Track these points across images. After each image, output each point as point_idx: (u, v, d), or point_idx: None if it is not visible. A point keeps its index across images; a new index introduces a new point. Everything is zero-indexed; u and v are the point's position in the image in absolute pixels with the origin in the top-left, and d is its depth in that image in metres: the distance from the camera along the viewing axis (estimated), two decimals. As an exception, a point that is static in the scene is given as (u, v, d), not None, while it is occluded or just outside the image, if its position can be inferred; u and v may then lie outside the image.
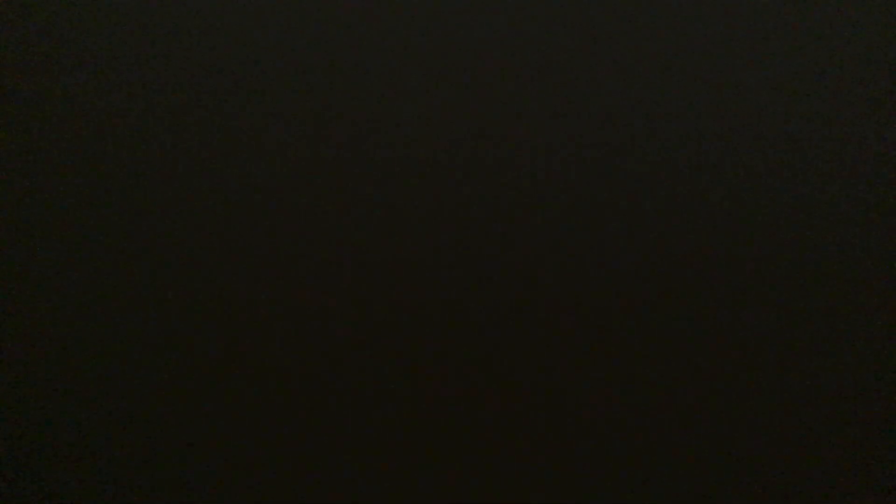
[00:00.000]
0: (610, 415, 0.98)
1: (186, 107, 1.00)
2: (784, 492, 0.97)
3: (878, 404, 0.97)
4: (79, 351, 0.99)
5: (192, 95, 1.00)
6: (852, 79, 0.99)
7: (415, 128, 1.00)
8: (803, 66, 0.99)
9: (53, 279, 1.00)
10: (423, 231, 0.99)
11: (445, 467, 0.98)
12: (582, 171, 0.99)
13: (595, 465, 0.98)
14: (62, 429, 0.99)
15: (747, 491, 0.97)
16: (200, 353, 0.99)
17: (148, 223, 1.00)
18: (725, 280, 0.98)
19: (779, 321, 0.97)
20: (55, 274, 1.00)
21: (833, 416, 0.97)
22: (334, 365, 0.99)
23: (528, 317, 0.98)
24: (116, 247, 1.00)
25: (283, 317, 0.99)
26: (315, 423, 0.99)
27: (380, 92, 1.00)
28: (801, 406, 0.97)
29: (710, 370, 0.97)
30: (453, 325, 0.98)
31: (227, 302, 0.99)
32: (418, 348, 0.98)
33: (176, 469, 0.99)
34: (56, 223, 1.00)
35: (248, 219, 0.99)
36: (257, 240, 0.99)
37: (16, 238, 1.00)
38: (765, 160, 0.98)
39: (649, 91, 0.99)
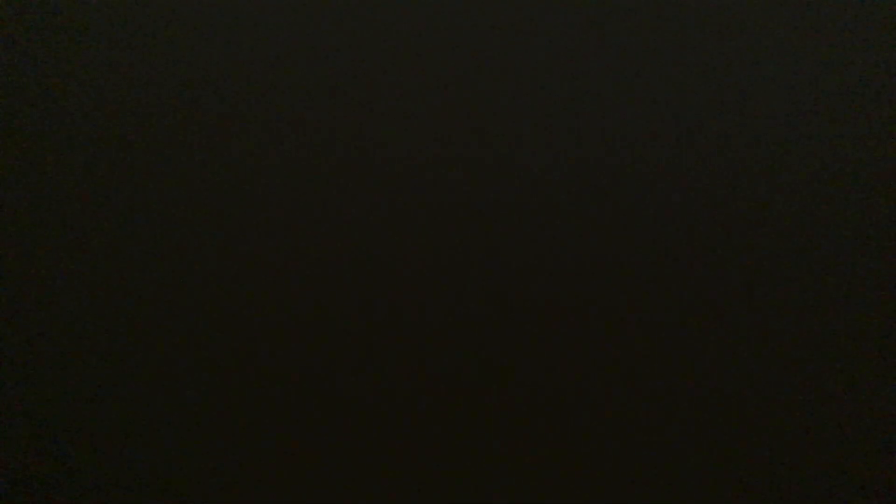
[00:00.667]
0: (610, 415, 0.98)
1: (186, 107, 1.00)
2: (784, 492, 0.97)
3: (879, 404, 0.97)
4: (79, 351, 0.99)
5: (193, 95, 1.00)
6: (852, 79, 0.99)
7: (414, 127, 1.00)
8: (803, 65, 0.99)
9: (54, 279, 0.99)
10: (422, 231, 0.99)
11: (445, 467, 0.98)
12: (582, 171, 0.99)
13: (595, 465, 0.98)
14: (62, 429, 0.99)
15: (747, 491, 0.97)
16: (200, 352, 0.99)
17: (148, 223, 1.00)
18: (725, 280, 0.98)
19: (778, 321, 0.98)
20: (55, 273, 1.00)
21: (833, 416, 0.97)
22: (334, 365, 0.99)
23: (528, 316, 0.98)
24: (116, 246, 1.00)
25: (283, 316, 0.99)
26: (315, 423, 0.98)
27: (379, 92, 1.00)
28: (801, 406, 0.97)
29: (710, 370, 0.98)
30: (453, 324, 0.98)
31: (227, 302, 0.99)
32: (418, 348, 0.98)
33: (176, 469, 0.99)
34: (56, 223, 1.00)
35: (247, 219, 0.99)
36: (257, 239, 0.99)
37: (16, 238, 1.00)
38: (765, 160, 0.98)
39: (649, 91, 0.99)
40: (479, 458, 0.98)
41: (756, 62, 0.99)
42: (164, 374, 0.99)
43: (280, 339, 0.99)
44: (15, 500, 0.99)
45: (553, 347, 0.98)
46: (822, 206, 0.98)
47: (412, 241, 0.99)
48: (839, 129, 0.99)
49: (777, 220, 0.98)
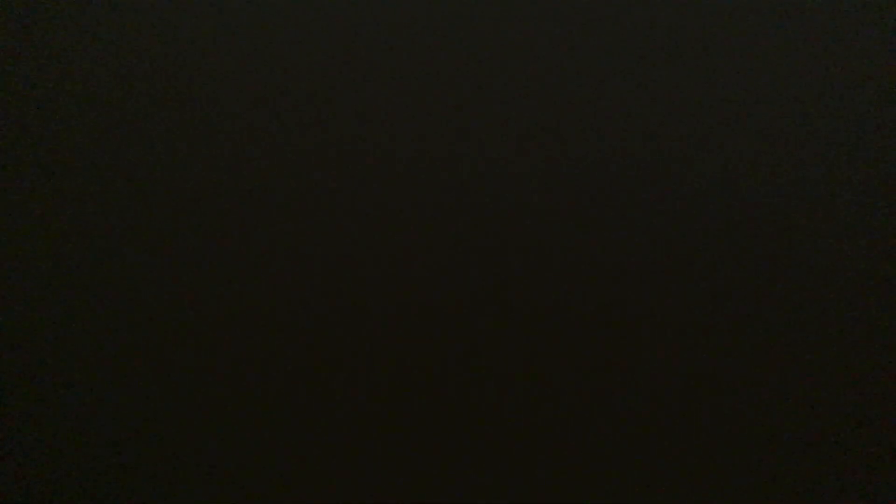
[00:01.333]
0: (609, 415, 0.98)
1: (186, 107, 1.00)
2: (784, 492, 0.97)
3: (879, 404, 0.97)
4: (78, 351, 0.99)
5: (192, 95, 1.00)
6: (852, 78, 0.99)
7: (413, 128, 1.00)
8: (803, 65, 0.99)
9: (53, 279, 0.99)
10: (421, 231, 0.99)
11: (445, 467, 0.98)
12: (581, 171, 0.99)
13: (595, 466, 0.98)
14: (62, 428, 0.99)
15: (747, 490, 0.97)
16: (200, 353, 0.99)
17: (147, 223, 1.00)
18: (725, 280, 0.98)
19: (778, 321, 0.98)
20: (54, 274, 1.00)
21: (833, 415, 0.97)
22: (333, 365, 0.99)
23: (527, 317, 0.98)
24: (116, 246, 1.00)
25: (282, 317, 0.99)
26: (315, 423, 0.99)
27: (379, 92, 1.00)
28: (800, 406, 0.97)
29: (710, 370, 0.98)
30: (452, 325, 0.98)
31: (227, 302, 0.99)
32: (418, 348, 0.98)
33: (176, 469, 0.99)
34: (55, 223, 1.00)
35: (247, 219, 0.99)
36: (256, 240, 0.99)
37: (16, 238, 1.00)
38: (763, 160, 0.98)
39: (649, 91, 0.99)
40: (479, 458, 0.98)
41: (756, 62, 0.99)
42: (164, 373, 0.99)
43: (280, 338, 0.99)
44: (15, 500, 0.99)
45: (553, 347, 0.98)
46: (821, 206, 0.98)
47: (412, 241, 0.99)
48: (838, 129, 0.99)
49: (777, 220, 0.98)
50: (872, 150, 0.99)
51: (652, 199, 0.98)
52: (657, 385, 0.97)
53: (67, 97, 1.00)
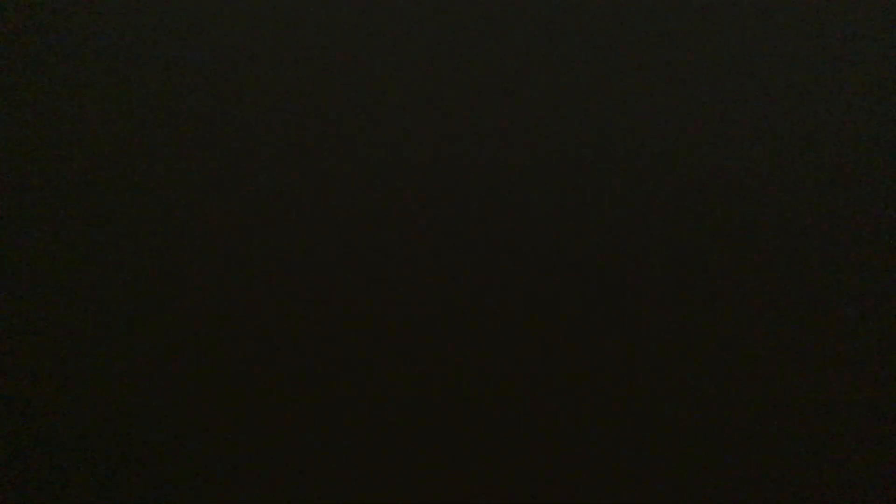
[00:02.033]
0: (609, 415, 0.98)
1: (186, 106, 1.00)
2: (784, 491, 0.97)
3: (879, 404, 0.97)
4: (78, 351, 0.99)
5: (191, 95, 1.00)
6: (852, 78, 0.99)
7: (413, 128, 1.00)
8: (802, 65, 0.99)
9: (53, 279, 1.00)
10: (421, 231, 0.99)
11: (445, 467, 0.98)
12: (581, 171, 0.99)
13: (595, 466, 0.98)
14: (62, 428, 0.99)
15: (747, 491, 0.97)
16: (200, 353, 0.99)
17: (147, 223, 1.00)
18: (724, 280, 0.98)
19: (778, 322, 0.98)
20: (55, 273, 1.00)
21: (833, 416, 0.97)
22: (333, 365, 0.99)
23: (527, 317, 0.98)
24: (116, 246, 1.00)
25: (282, 316, 0.99)
26: (315, 423, 0.99)
27: (379, 92, 1.00)
28: (800, 406, 0.97)
29: (710, 370, 0.97)
30: (453, 324, 0.98)
31: (227, 302, 0.99)
32: (418, 348, 0.98)
33: (176, 469, 0.99)
34: (55, 223, 1.00)
35: (246, 219, 0.99)
36: (256, 240, 0.99)
37: (16, 238, 1.00)
38: (763, 161, 0.98)
39: (648, 91, 0.99)
40: (480, 458, 0.98)
41: (756, 62, 0.99)
42: (164, 374, 0.99)
43: (280, 339, 0.99)
44: (15, 500, 0.99)
45: (552, 347, 0.98)
46: (822, 205, 0.98)
47: (412, 241, 0.99)
48: (839, 128, 0.99)
49: (777, 219, 0.98)
50: (872, 150, 0.99)
51: (652, 199, 0.98)
52: (657, 385, 0.97)
53: (68, 97, 1.01)
